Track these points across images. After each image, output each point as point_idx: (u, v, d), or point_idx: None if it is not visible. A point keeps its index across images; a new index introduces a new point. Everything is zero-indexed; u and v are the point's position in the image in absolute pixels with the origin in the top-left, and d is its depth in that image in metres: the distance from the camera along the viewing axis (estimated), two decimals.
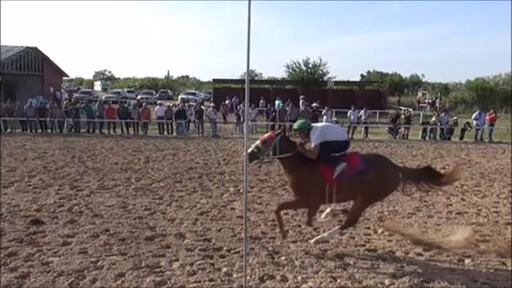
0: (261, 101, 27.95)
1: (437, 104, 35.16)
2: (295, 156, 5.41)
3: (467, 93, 42.59)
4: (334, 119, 21.06)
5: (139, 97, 37.01)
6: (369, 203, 5.67)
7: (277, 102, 26.00)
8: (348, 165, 5.28)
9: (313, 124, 5.77)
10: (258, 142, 5.44)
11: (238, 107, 22.96)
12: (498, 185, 9.85)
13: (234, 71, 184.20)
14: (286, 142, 5.49)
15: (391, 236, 6.13)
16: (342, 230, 5.67)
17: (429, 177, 5.65)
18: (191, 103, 28.84)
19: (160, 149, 14.78)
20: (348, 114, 20.71)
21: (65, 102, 24.35)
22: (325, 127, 5.71)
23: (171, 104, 22.81)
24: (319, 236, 5.81)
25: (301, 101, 24.82)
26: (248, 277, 4.59)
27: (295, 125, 5.76)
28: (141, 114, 19.62)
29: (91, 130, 19.77)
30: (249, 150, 5.34)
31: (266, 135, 5.57)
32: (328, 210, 5.91)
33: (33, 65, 33.95)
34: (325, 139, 5.41)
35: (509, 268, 5.12)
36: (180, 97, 41.01)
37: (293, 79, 41.86)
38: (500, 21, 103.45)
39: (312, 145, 5.41)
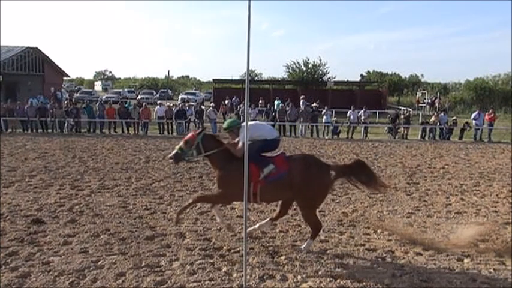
0: (260, 101, 27.95)
1: (436, 104, 35.19)
2: (222, 153, 5.46)
3: (466, 93, 42.62)
4: (334, 118, 21.07)
5: (139, 97, 37.08)
6: (310, 206, 5.51)
7: (276, 102, 26.02)
8: (275, 167, 5.32)
9: (250, 123, 5.85)
10: (181, 143, 5.52)
11: (239, 107, 22.98)
12: (497, 185, 9.87)
13: (234, 71, 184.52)
14: (209, 140, 5.54)
15: (391, 235, 6.15)
16: (313, 240, 5.58)
17: (360, 172, 5.60)
18: (191, 103, 28.91)
19: (161, 148, 14.79)
20: (348, 114, 20.74)
21: (65, 102, 24.37)
22: (254, 126, 5.74)
23: (172, 104, 22.84)
24: (250, 228, 5.82)
25: (301, 101, 24.84)
26: (248, 276, 4.61)
27: (225, 124, 5.83)
28: (141, 114, 19.65)
29: (91, 130, 19.79)
30: (173, 152, 5.49)
31: (188, 135, 5.62)
32: (267, 220, 5.91)
33: (34, 65, 33.97)
34: (253, 138, 5.44)
35: (509, 268, 5.14)
36: (180, 97, 41.05)
37: (293, 79, 41.92)
38: (500, 21, 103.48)
39: (240, 143, 5.46)
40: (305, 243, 5.58)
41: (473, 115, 20.98)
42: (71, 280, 4.55)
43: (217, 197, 5.65)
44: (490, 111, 21.03)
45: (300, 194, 5.35)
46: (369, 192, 6.02)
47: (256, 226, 5.84)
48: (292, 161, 5.46)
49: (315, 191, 5.32)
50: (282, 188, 5.35)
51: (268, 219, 5.85)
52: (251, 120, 20.42)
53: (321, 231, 6.18)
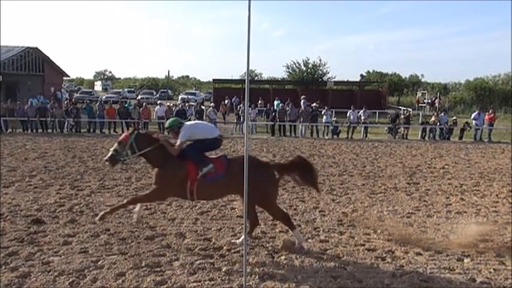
0: (260, 102, 27.91)
1: (436, 104, 35.19)
2: (158, 151, 5.47)
3: (466, 93, 42.63)
4: (334, 118, 21.08)
5: (139, 97, 37.07)
6: (265, 204, 5.57)
7: (276, 102, 26.04)
8: (214, 167, 5.35)
9: (187, 122, 5.93)
10: (115, 144, 5.54)
11: (239, 106, 23.00)
12: (497, 185, 9.88)
13: (234, 71, 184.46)
14: (143, 139, 5.54)
15: (391, 235, 6.15)
16: (294, 229, 5.60)
17: (301, 169, 5.65)
18: (191, 103, 28.94)
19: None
20: (348, 114, 20.75)
21: (65, 102, 24.37)
22: (194, 125, 5.82)
23: (172, 104, 22.85)
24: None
25: (302, 101, 24.85)
26: (248, 276, 4.60)
27: (166, 123, 5.87)
28: (141, 114, 19.66)
29: (92, 130, 19.79)
30: (109, 154, 5.51)
31: (122, 136, 5.64)
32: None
33: (34, 65, 33.98)
34: (192, 137, 5.49)
35: (509, 268, 5.14)
36: (180, 97, 41.06)
37: (293, 79, 41.94)
38: (500, 21, 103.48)
39: (178, 142, 5.49)
40: (295, 240, 5.58)
41: (473, 115, 20.99)
42: (71, 280, 4.55)
43: (152, 194, 5.61)
44: (490, 111, 21.04)
45: (249, 194, 5.39)
46: (312, 187, 6.02)
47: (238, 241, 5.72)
48: (232, 163, 5.49)
49: (260, 189, 5.33)
50: (219, 188, 5.43)
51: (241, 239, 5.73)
52: (251, 121, 20.45)
53: (321, 231, 6.20)
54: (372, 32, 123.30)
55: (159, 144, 5.51)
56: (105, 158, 5.67)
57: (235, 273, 4.80)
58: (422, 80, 55.13)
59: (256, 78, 56.55)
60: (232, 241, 5.73)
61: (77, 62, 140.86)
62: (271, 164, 5.83)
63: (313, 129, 20.17)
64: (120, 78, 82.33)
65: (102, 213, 5.73)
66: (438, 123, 20.06)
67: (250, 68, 6.02)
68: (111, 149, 5.55)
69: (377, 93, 39.00)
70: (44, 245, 5.50)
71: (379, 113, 29.49)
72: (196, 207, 7.42)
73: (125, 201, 5.76)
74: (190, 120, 20.20)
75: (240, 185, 5.26)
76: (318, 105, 22.94)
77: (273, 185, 5.56)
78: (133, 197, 5.70)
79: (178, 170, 5.39)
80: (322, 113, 20.92)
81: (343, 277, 4.79)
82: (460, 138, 19.60)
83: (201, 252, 5.38)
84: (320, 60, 41.51)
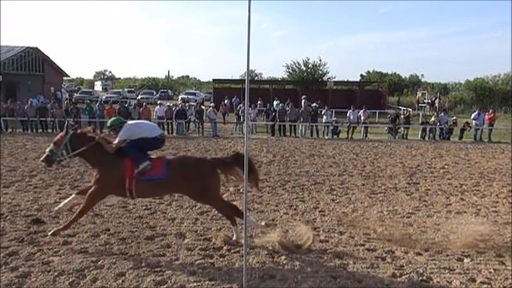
0: (259, 102, 27.88)
1: (436, 104, 35.18)
2: (95, 150, 5.47)
3: (466, 93, 42.67)
4: (334, 118, 21.08)
5: (139, 97, 37.12)
6: (209, 200, 5.69)
7: (275, 102, 26.04)
8: (152, 167, 5.35)
9: (132, 122, 5.98)
10: (51, 145, 5.56)
11: (239, 106, 23.00)
12: (497, 185, 9.87)
13: (234, 71, 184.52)
14: (78, 138, 5.55)
15: (391, 235, 6.15)
16: (244, 216, 5.60)
17: (237, 164, 5.65)
18: (191, 103, 28.92)
19: (161, 148, 14.75)
20: (348, 114, 20.75)
21: (65, 102, 24.38)
22: (134, 124, 5.84)
23: (171, 104, 22.84)
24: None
25: (303, 101, 24.86)
26: (248, 276, 4.60)
27: (108, 123, 5.91)
28: (141, 114, 19.63)
29: (92, 130, 19.75)
30: (44, 155, 5.53)
31: (57, 136, 5.65)
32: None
33: (34, 65, 33.99)
34: (132, 136, 5.50)
35: (509, 268, 5.14)
36: (180, 97, 41.12)
37: (293, 79, 41.93)
38: (500, 21, 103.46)
39: (116, 140, 5.50)
40: (234, 235, 5.69)
41: (473, 115, 20.98)
42: (71, 280, 4.55)
43: (92, 196, 5.58)
44: (490, 111, 21.03)
45: (190, 192, 5.48)
46: (252, 184, 6.03)
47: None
48: (172, 162, 5.49)
49: (200, 185, 5.36)
50: (157, 187, 5.46)
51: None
52: (251, 121, 20.44)
53: (321, 231, 6.20)
54: (372, 32, 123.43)
55: (96, 143, 5.49)
56: (41, 158, 5.68)
57: (235, 273, 4.80)
58: (422, 80, 55.26)
59: (256, 78, 56.60)
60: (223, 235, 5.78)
61: (77, 62, 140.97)
62: (211, 160, 5.80)
63: (313, 129, 20.17)
64: (120, 78, 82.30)
65: (54, 229, 5.67)
66: (438, 123, 20.06)
67: (250, 68, 6.02)
68: (47, 149, 5.56)
69: (377, 93, 39.00)
70: (44, 245, 5.50)
71: (379, 113, 29.49)
72: (197, 207, 7.42)
73: (74, 215, 5.64)
74: (190, 120, 20.25)
75: (179, 184, 5.37)
76: (318, 105, 22.94)
77: (213, 181, 5.53)
78: (81, 209, 5.64)
79: (116, 168, 5.38)
80: (322, 113, 20.92)
81: (343, 277, 4.79)
82: (460, 138, 19.60)
83: (201, 252, 5.38)
84: (320, 60, 41.57)
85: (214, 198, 5.62)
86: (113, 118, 6.03)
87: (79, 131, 5.75)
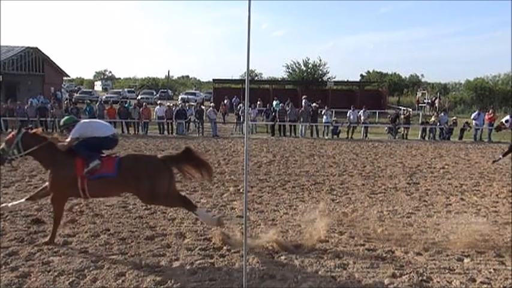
0: (259, 102, 27.86)
1: (436, 104, 35.18)
2: (48, 150, 5.44)
3: (466, 93, 42.67)
4: (334, 118, 21.09)
5: (139, 97, 37.10)
6: (154, 197, 5.58)
7: (275, 102, 26.04)
8: (102, 165, 5.33)
9: (84, 120, 5.98)
10: (3, 144, 5.54)
11: (239, 106, 22.99)
12: (497, 185, 9.87)
13: (234, 71, 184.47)
14: (30, 137, 5.52)
15: (391, 235, 6.15)
16: (195, 210, 5.70)
17: (187, 160, 5.65)
18: (191, 103, 28.92)
19: (161, 148, 14.80)
20: (348, 114, 20.75)
21: (65, 102, 24.39)
22: (87, 123, 5.85)
23: (172, 104, 22.84)
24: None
25: (303, 101, 24.85)
26: (248, 276, 4.60)
27: (61, 121, 5.91)
28: (141, 114, 19.67)
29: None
30: None
31: (9, 135, 5.63)
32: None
33: (34, 65, 33.98)
34: (84, 134, 5.49)
35: (509, 268, 5.14)
36: (180, 97, 41.12)
37: (293, 79, 41.94)
38: (500, 21, 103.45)
39: (68, 138, 5.49)
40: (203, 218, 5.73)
41: (473, 115, 20.98)
42: (71, 280, 4.55)
43: (54, 204, 5.57)
44: (490, 111, 21.03)
45: (140, 192, 5.44)
46: (207, 179, 6.04)
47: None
48: (123, 161, 5.47)
49: (148, 183, 5.32)
50: (109, 186, 5.42)
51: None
52: (251, 121, 20.42)
53: (321, 231, 6.19)
54: (372, 32, 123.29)
55: (48, 143, 5.47)
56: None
57: (235, 273, 4.80)
58: (422, 80, 55.26)
59: (256, 78, 56.57)
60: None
61: (77, 62, 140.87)
62: (162, 157, 5.76)
63: (313, 129, 20.18)
64: (120, 78, 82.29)
65: (43, 242, 5.58)
66: (438, 123, 20.06)
67: (250, 68, 6.01)
68: None
69: (377, 93, 38.99)
70: (44, 245, 5.49)
71: (379, 113, 29.49)
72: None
73: (53, 225, 5.63)
74: (190, 120, 20.25)
75: (130, 182, 5.35)
76: (318, 105, 22.96)
77: (164, 179, 5.48)
78: (54, 218, 5.64)
79: (68, 168, 5.36)
80: (322, 113, 20.92)
81: (343, 277, 4.79)
82: (460, 138, 19.60)
83: (201, 252, 5.38)
84: (320, 60, 41.57)
85: (165, 196, 5.53)
86: (66, 117, 6.03)
87: (31, 130, 5.71)
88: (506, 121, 12.10)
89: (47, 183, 5.67)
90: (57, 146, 5.48)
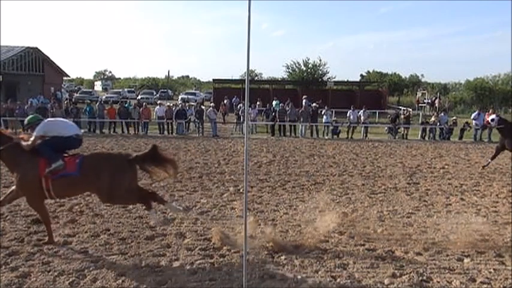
0: (258, 103, 27.85)
1: (436, 104, 35.17)
2: (14, 150, 5.40)
3: (466, 93, 42.68)
4: (334, 118, 21.09)
5: (139, 97, 37.10)
6: (116, 197, 5.58)
7: (274, 102, 26.04)
8: (65, 165, 5.31)
9: (49, 119, 5.96)
10: None
11: (239, 106, 22.98)
12: (497, 185, 9.87)
13: (234, 71, 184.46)
14: None
15: (391, 235, 6.15)
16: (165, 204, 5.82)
17: (154, 159, 5.65)
18: (191, 103, 28.92)
19: (161, 148, 14.74)
20: (348, 114, 20.75)
21: (65, 102, 24.39)
22: (50, 121, 5.81)
23: (172, 104, 22.84)
24: None
25: (304, 101, 24.85)
26: (248, 276, 4.60)
27: (26, 120, 5.89)
28: (141, 114, 19.67)
29: (92, 130, 19.81)
30: None
31: None
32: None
33: (34, 65, 33.98)
34: (48, 132, 5.47)
35: (509, 268, 5.14)
36: (180, 97, 41.12)
37: (293, 79, 41.96)
38: (500, 21, 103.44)
39: (32, 137, 5.46)
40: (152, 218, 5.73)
41: (473, 115, 20.98)
42: (71, 280, 4.55)
43: (31, 204, 5.56)
44: (490, 111, 21.02)
45: (100, 191, 5.42)
46: (172, 176, 6.02)
47: None
48: (86, 160, 5.44)
49: (112, 183, 5.30)
50: (72, 185, 5.40)
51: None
52: (251, 121, 20.39)
53: (321, 231, 6.19)
54: (372, 32, 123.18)
55: (14, 144, 5.42)
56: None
57: (235, 273, 4.80)
58: (422, 80, 55.26)
59: (256, 78, 56.57)
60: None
61: (77, 62, 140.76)
62: (126, 156, 5.75)
63: (313, 129, 20.17)
64: (120, 78, 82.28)
65: (42, 242, 5.57)
66: (438, 123, 20.06)
67: (250, 68, 6.01)
68: None
69: (377, 93, 38.98)
70: (44, 244, 5.49)
71: (379, 113, 29.48)
72: (197, 207, 7.43)
73: (46, 226, 5.62)
74: (190, 120, 20.26)
75: (92, 181, 5.32)
76: (318, 105, 22.96)
77: (125, 177, 5.45)
78: (42, 220, 5.65)
79: (32, 169, 5.33)
80: (322, 113, 20.91)
81: (343, 277, 4.80)
82: (460, 138, 19.59)
83: (201, 252, 5.38)
84: (320, 60, 41.62)
85: (125, 195, 5.51)
86: (30, 116, 6.00)
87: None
88: (492, 120, 12.10)
89: (14, 187, 5.62)
90: (22, 147, 5.43)
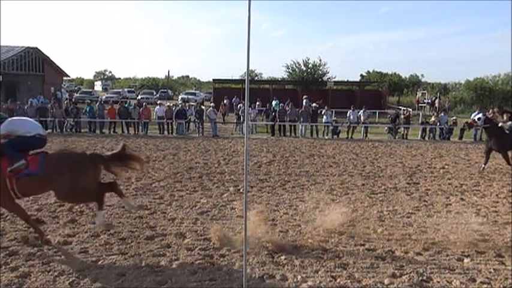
0: (258, 103, 27.84)
1: (436, 104, 35.17)
2: None
3: (466, 93, 42.64)
4: (334, 118, 21.09)
5: (139, 97, 37.11)
6: (76, 196, 5.58)
7: (274, 102, 26.03)
8: (27, 164, 5.28)
9: (13, 118, 5.95)
10: None
11: (239, 106, 22.98)
12: (497, 185, 9.87)
13: (234, 71, 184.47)
14: None
15: (391, 235, 6.15)
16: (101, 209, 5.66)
17: (122, 159, 5.65)
18: (191, 103, 28.91)
19: (161, 148, 14.81)
20: (348, 114, 20.76)
21: (65, 102, 24.39)
22: (15, 120, 5.79)
23: (172, 104, 22.85)
24: None
25: (304, 101, 24.85)
26: (248, 276, 4.60)
27: None
28: (141, 114, 19.68)
29: (92, 130, 19.82)
30: None
31: None
32: None
33: (34, 65, 33.95)
34: (11, 131, 5.47)
35: (509, 268, 5.14)
36: (180, 97, 41.11)
37: (293, 79, 41.96)
38: (500, 21, 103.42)
39: None
40: (98, 218, 5.64)
41: (473, 115, 20.94)
42: (71, 280, 4.55)
43: (5, 205, 5.51)
44: (490, 111, 21.00)
45: (59, 189, 5.39)
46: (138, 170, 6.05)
47: None
48: (49, 159, 5.42)
49: (72, 181, 5.27)
50: (35, 184, 5.36)
51: None
52: (251, 121, 20.39)
53: (321, 231, 6.20)
54: (372, 32, 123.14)
55: None
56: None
57: (235, 273, 4.80)
58: (422, 80, 55.23)
59: (256, 78, 56.56)
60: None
61: (77, 62, 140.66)
62: (90, 155, 5.73)
63: (313, 129, 20.18)
64: (120, 78, 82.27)
65: (39, 242, 5.55)
66: (438, 123, 20.06)
67: (250, 68, 6.01)
68: None
69: (377, 93, 38.97)
70: (44, 244, 5.49)
71: (379, 113, 29.48)
72: (196, 207, 7.43)
73: (35, 228, 5.63)
74: (190, 120, 20.26)
75: (53, 180, 5.28)
76: (318, 105, 22.95)
77: (84, 176, 5.41)
78: (23, 220, 5.67)
79: None
80: (322, 113, 20.92)
81: (343, 277, 4.80)
82: (460, 138, 19.59)
83: (201, 252, 5.38)
84: (320, 60, 41.63)
85: (84, 194, 5.50)
86: None
87: None
88: (479, 119, 12.08)
89: None
90: None
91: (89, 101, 22.85)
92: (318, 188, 9.22)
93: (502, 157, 11.56)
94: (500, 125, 11.80)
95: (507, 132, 11.43)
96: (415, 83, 52.24)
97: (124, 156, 5.72)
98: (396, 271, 4.96)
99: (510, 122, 11.60)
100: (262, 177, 10.15)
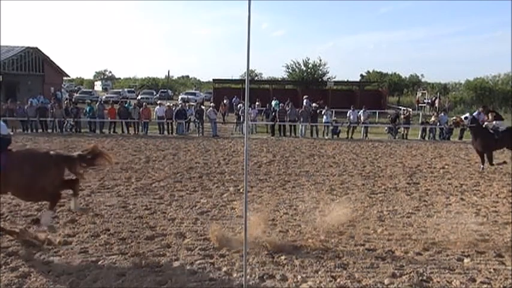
0: (258, 103, 27.82)
1: (436, 104, 35.18)
2: None
3: (466, 93, 42.66)
4: (334, 118, 21.09)
5: (139, 97, 37.14)
6: (32, 196, 5.57)
7: (274, 102, 26.03)
8: None
9: None
10: None
11: (239, 106, 22.98)
12: (497, 185, 9.87)
13: (234, 71, 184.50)
14: None
15: (391, 235, 6.15)
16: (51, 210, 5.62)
17: (90, 159, 5.63)
18: (191, 103, 28.91)
19: (161, 148, 14.80)
20: (348, 114, 20.76)
21: (65, 102, 24.40)
22: None
23: (172, 104, 22.85)
24: None
25: (304, 101, 24.85)
26: (248, 276, 4.61)
27: None
28: (141, 114, 19.68)
29: (92, 130, 19.83)
30: None
31: None
32: None
33: (34, 65, 33.98)
34: None
35: (509, 268, 5.14)
36: (180, 97, 41.12)
37: (293, 79, 41.97)
38: (500, 21, 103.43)
39: None
40: (43, 217, 5.57)
41: (473, 114, 20.92)
42: (71, 280, 4.55)
43: None
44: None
45: (17, 189, 5.36)
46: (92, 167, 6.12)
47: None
48: (10, 157, 5.37)
49: (31, 180, 5.24)
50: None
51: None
52: (251, 121, 20.40)
53: (321, 231, 6.20)
54: (372, 32, 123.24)
55: None
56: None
57: (235, 273, 4.80)
58: (422, 80, 55.26)
59: (256, 78, 56.58)
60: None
61: (77, 62, 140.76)
62: (53, 154, 5.65)
63: (313, 129, 20.18)
64: (120, 78, 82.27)
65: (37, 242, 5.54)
66: (438, 123, 20.06)
67: (250, 68, 6.01)
68: None
69: (377, 93, 38.98)
70: (46, 244, 5.49)
71: (379, 113, 29.48)
72: (196, 207, 7.43)
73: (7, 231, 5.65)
74: (190, 120, 20.25)
75: (13, 178, 5.21)
76: (318, 105, 22.93)
77: (44, 175, 5.36)
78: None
79: None
80: (322, 113, 20.92)
81: (342, 277, 4.80)
82: (460, 138, 19.58)
83: (201, 252, 5.38)
84: (320, 60, 41.64)
85: (42, 193, 5.45)
86: None
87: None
88: (466, 118, 12.08)
89: None
90: None
91: (89, 101, 22.87)
92: (318, 188, 9.22)
93: (486, 157, 11.57)
94: (485, 124, 11.84)
95: (491, 132, 11.48)
96: (415, 83, 52.27)
97: (91, 157, 5.67)
98: (396, 271, 4.96)
99: (495, 122, 11.65)
100: (262, 177, 10.15)
